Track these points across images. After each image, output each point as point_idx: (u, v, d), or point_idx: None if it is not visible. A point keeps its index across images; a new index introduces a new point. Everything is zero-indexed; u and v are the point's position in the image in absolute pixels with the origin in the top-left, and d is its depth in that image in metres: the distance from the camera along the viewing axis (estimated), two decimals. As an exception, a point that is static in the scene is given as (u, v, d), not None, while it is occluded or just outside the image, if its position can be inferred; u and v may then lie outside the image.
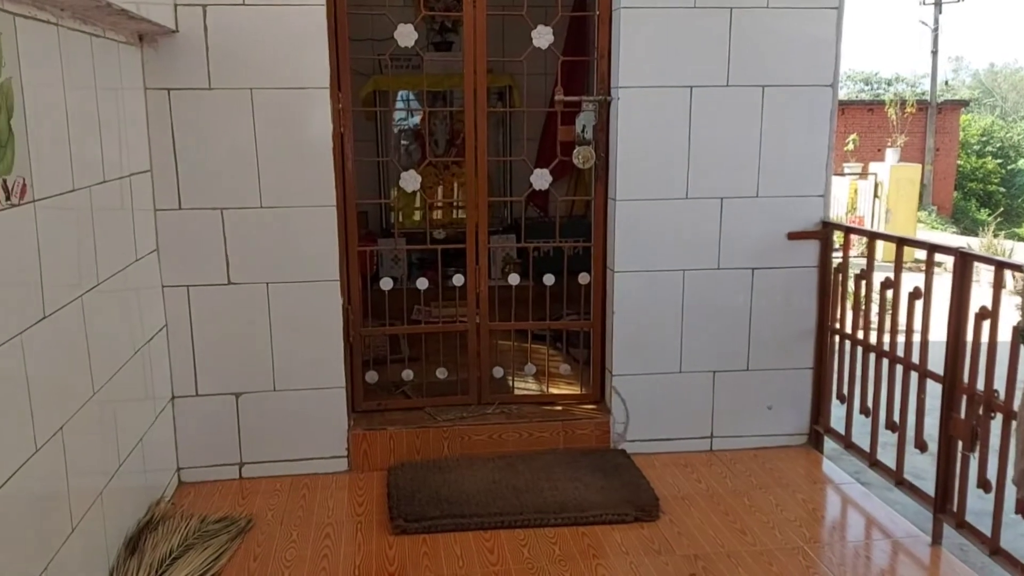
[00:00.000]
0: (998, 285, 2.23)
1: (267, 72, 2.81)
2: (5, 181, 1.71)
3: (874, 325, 2.85)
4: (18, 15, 1.81)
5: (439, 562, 2.44)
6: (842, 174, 14.59)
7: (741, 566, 2.40)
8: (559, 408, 3.29)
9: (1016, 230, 19.81)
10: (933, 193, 22.09)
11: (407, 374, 3.29)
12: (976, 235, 15.15)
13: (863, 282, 2.88)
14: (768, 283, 3.16)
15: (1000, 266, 2.26)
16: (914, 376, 2.62)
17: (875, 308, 2.84)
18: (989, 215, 20.75)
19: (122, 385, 2.46)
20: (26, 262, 1.84)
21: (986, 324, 2.26)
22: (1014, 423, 2.14)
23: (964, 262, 2.34)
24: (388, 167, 4.63)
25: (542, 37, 3.05)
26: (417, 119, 5.04)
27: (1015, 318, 2.15)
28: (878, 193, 13.62)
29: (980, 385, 2.29)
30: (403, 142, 5.05)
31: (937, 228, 19.92)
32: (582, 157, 3.16)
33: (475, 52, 3.05)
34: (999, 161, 25.25)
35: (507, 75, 4.47)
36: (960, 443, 2.36)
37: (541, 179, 3.20)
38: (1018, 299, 2.07)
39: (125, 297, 2.55)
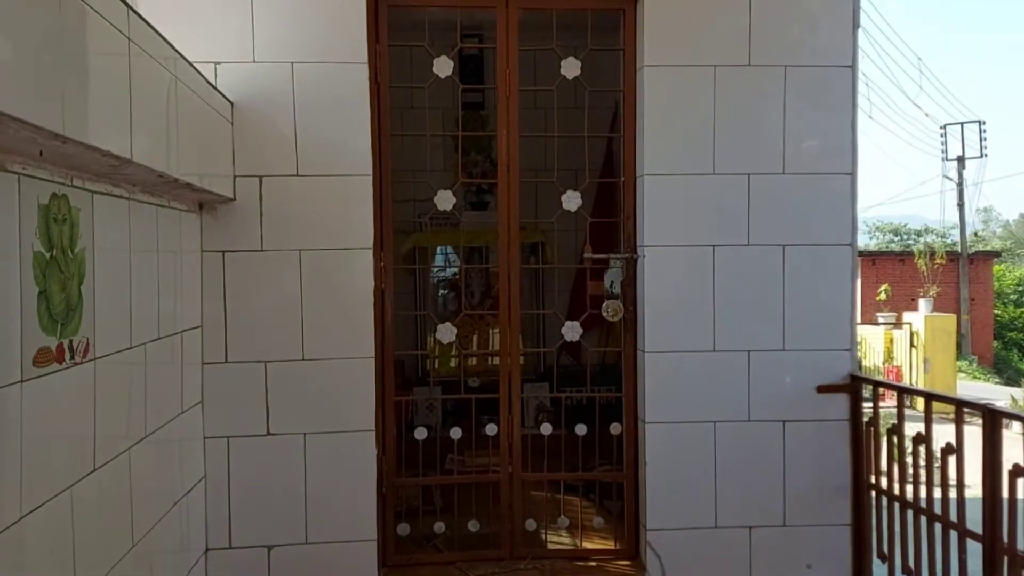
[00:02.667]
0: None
1: (316, 234, 3.02)
2: (71, 342, 1.86)
3: (910, 479, 2.81)
4: (96, 192, 2.02)
5: None
6: (876, 324, 14.58)
7: None
8: (593, 564, 3.23)
9: (1064, 381, 19.30)
10: (972, 343, 21.80)
11: (439, 527, 3.28)
12: (1020, 385, 14.81)
13: (895, 437, 2.87)
14: (800, 436, 3.16)
15: (931, 399, 2.25)
16: (954, 535, 2.56)
17: (912, 462, 2.82)
18: (1032, 364, 20.32)
19: (159, 537, 2.50)
20: (82, 417, 1.95)
21: (1021, 482, 2.23)
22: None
23: (993, 419, 2.35)
24: (425, 318, 4.80)
25: (571, 201, 3.25)
26: (454, 273, 5.26)
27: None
28: (914, 343, 13.53)
29: (1021, 544, 2.23)
30: (441, 292, 5.25)
31: (980, 378, 19.49)
32: (611, 310, 3.28)
33: (508, 213, 3.26)
34: (1038, 310, 24.99)
35: (540, 231, 4.70)
36: (1008, 607, 2.27)
37: (572, 331, 3.31)
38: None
39: (169, 449, 2.64)
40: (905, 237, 36.49)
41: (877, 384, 3.11)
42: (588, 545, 3.34)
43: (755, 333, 3.16)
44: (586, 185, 3.31)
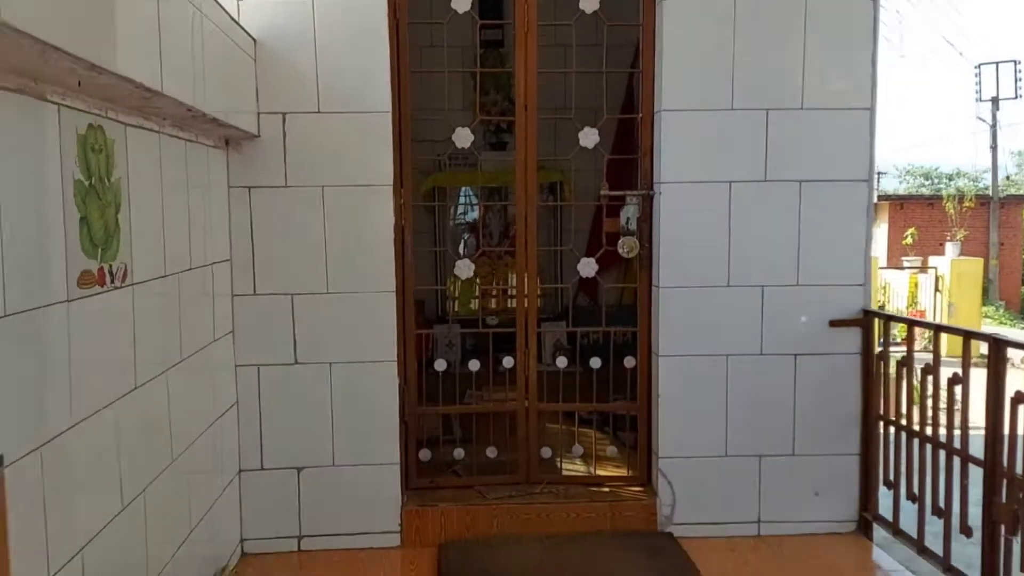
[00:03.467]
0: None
1: (337, 171, 3.09)
2: (111, 266, 1.97)
3: (918, 411, 2.88)
4: (129, 124, 2.11)
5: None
6: (901, 268, 14.47)
7: (785, 649, 2.41)
8: (606, 489, 3.36)
9: (1093, 327, 19.09)
10: (1000, 289, 21.56)
11: (459, 453, 3.42)
12: (1046, 330, 14.68)
13: (904, 369, 2.93)
14: (812, 369, 3.23)
15: (939, 331, 2.31)
16: (957, 462, 2.64)
17: (919, 394, 2.89)
18: (1061, 311, 20.10)
19: (195, 457, 2.65)
20: (122, 338, 2.08)
21: (1022, 409, 2.30)
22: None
23: (998, 348, 2.40)
24: (445, 257, 4.89)
25: (588, 138, 3.29)
26: (473, 213, 5.32)
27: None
28: (939, 287, 13.44)
29: (1019, 469, 2.31)
30: (460, 232, 5.33)
31: (1006, 323, 19.33)
32: (627, 247, 3.34)
33: (526, 152, 3.31)
34: (1068, 256, 24.55)
35: (558, 171, 4.74)
36: (1003, 527, 2.36)
37: (588, 267, 3.38)
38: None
39: (202, 375, 2.78)
40: (936, 181, 35.79)
41: (889, 318, 3.16)
42: (601, 473, 3.47)
43: (770, 268, 3.22)
44: (604, 122, 3.34)
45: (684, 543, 3.11)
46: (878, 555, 3.09)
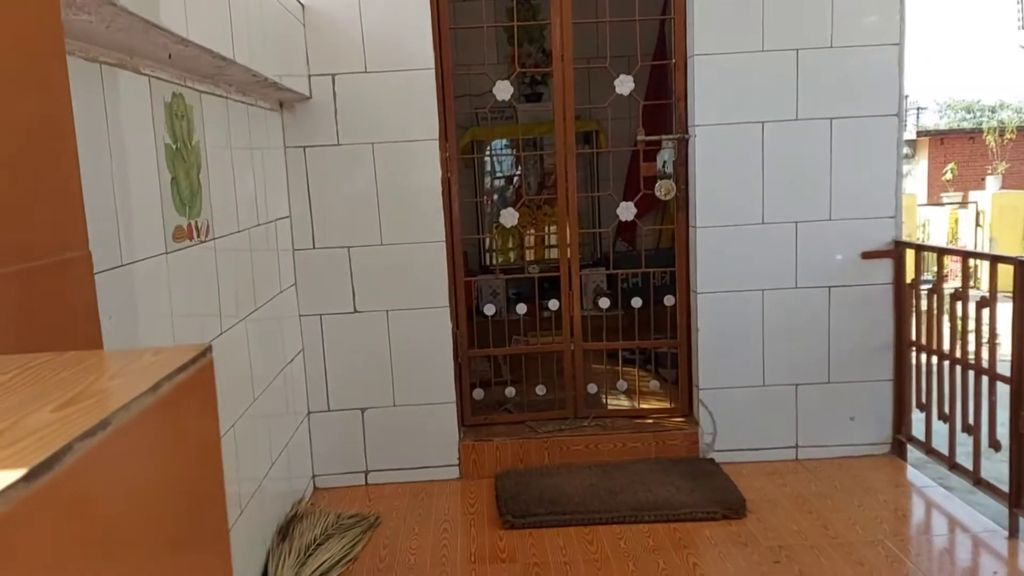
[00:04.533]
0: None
1: (385, 128, 3.26)
2: (196, 222, 2.18)
3: (948, 336, 3.01)
4: (203, 92, 2.30)
5: (544, 550, 2.74)
6: (940, 204, 14.29)
7: (823, 556, 2.60)
8: (650, 421, 3.56)
9: None
10: (1046, 221, 21.08)
11: (510, 391, 3.64)
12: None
13: (936, 296, 3.06)
14: (845, 300, 3.37)
15: (968, 257, 2.42)
16: (985, 381, 2.78)
17: (949, 318, 3.01)
18: (1110, 242, 19.63)
19: (271, 400, 2.90)
20: (210, 288, 2.30)
21: (1047, 325, 2.42)
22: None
23: (1023, 271, 2.52)
24: (484, 209, 5.06)
25: (624, 85, 3.40)
26: (512, 164, 5.47)
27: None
28: (980, 222, 13.27)
29: (1045, 382, 2.44)
30: (501, 185, 5.49)
31: (1051, 257, 18.97)
32: (664, 190, 3.47)
33: (564, 102, 3.44)
34: (1117, 184, 23.84)
35: (594, 120, 4.85)
36: (1030, 439, 2.51)
37: (626, 211, 3.53)
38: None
39: (272, 324, 3.01)
40: (978, 114, 34.78)
41: (919, 248, 3.27)
42: (645, 406, 3.66)
43: (803, 205, 3.33)
44: (638, 68, 3.45)
45: (726, 468, 3.30)
46: (912, 474, 3.26)
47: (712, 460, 3.38)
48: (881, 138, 3.28)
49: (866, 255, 3.34)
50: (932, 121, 33.30)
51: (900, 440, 3.36)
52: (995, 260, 2.72)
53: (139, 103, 1.83)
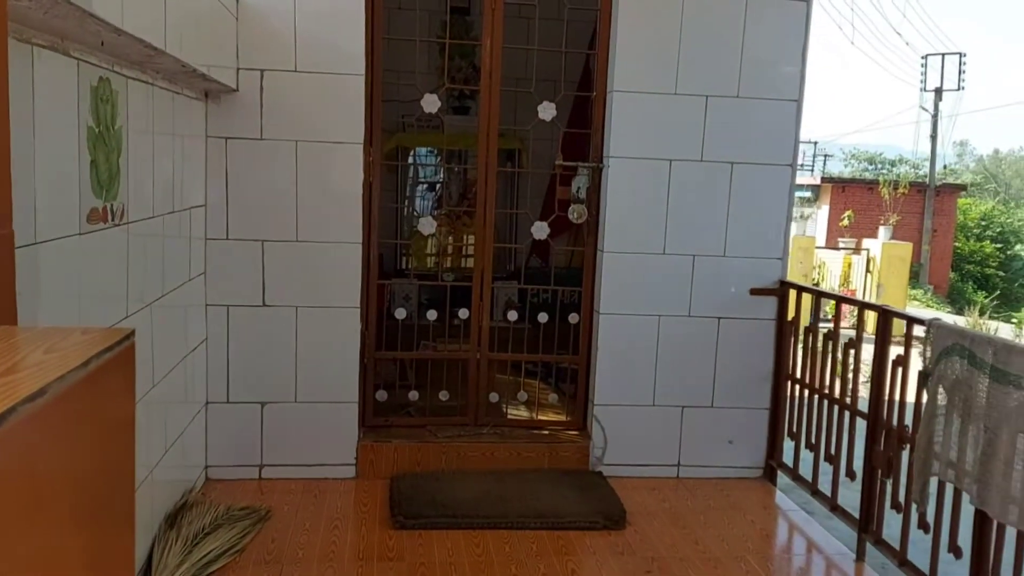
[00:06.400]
0: (909, 338, 2.68)
1: (310, 127, 3.31)
2: (112, 205, 2.19)
3: (820, 372, 3.28)
4: (130, 78, 2.31)
5: (431, 551, 2.84)
6: (836, 248, 15.15)
7: (691, 568, 2.80)
8: (546, 432, 3.71)
9: (1014, 314, 20.25)
10: (930, 273, 22.62)
11: (413, 395, 3.72)
12: (964, 314, 15.59)
13: (811, 335, 3.32)
14: (733, 332, 3.61)
15: (910, 321, 2.70)
16: (848, 416, 3.04)
17: (822, 356, 3.28)
18: (986, 297, 21.21)
19: (169, 387, 2.90)
20: (119, 270, 2.31)
21: (901, 370, 2.69)
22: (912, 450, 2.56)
23: (885, 318, 2.79)
24: (405, 215, 5.13)
25: (546, 111, 3.56)
26: (435, 174, 5.56)
27: (920, 365, 2.57)
28: (870, 268, 14.14)
29: (895, 422, 2.71)
30: (422, 191, 5.57)
31: (932, 306, 20.35)
32: (576, 213, 3.64)
33: (488, 119, 3.57)
34: (998, 245, 25.74)
35: (517, 139, 5.00)
36: (880, 471, 2.77)
37: (540, 230, 3.68)
38: (924, 349, 2.45)
39: (178, 312, 3.01)
40: (879, 166, 36.91)
41: (801, 289, 3.54)
42: (543, 417, 3.81)
43: (701, 240, 3.56)
44: (560, 97, 3.61)
45: (612, 481, 3.48)
46: (780, 497, 3.51)
47: (600, 473, 3.56)
48: (775, 185, 3.55)
49: (754, 291, 3.59)
50: (837, 168, 35.18)
51: (772, 465, 3.62)
52: (863, 306, 2.99)
53: (66, 85, 1.85)
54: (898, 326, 2.80)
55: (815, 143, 34.78)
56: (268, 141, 3.31)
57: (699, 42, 3.42)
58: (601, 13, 3.49)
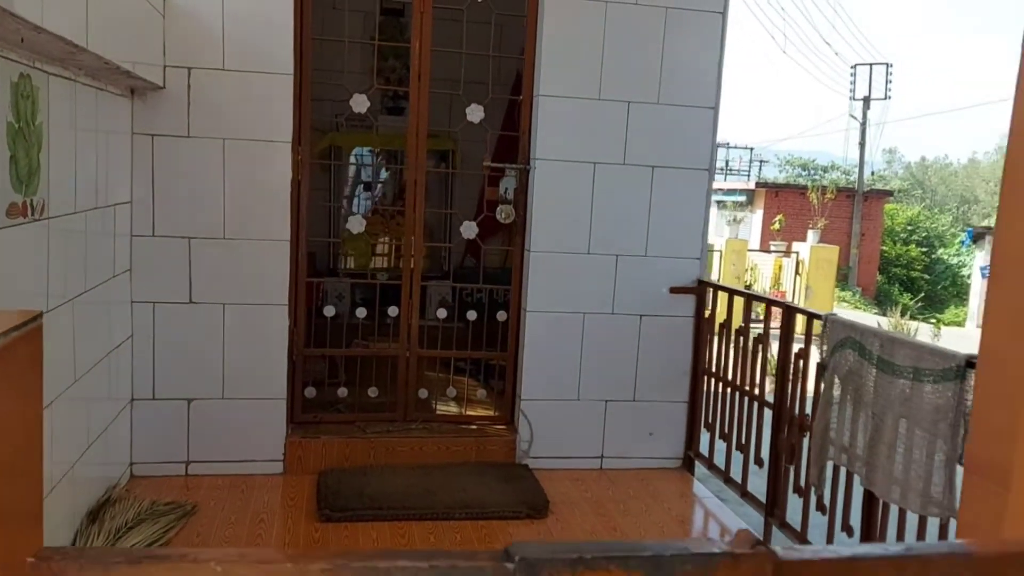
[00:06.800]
0: (809, 333, 2.86)
1: (239, 125, 3.34)
2: (32, 200, 2.20)
3: (733, 366, 3.44)
4: (51, 74, 2.32)
5: (357, 543, 2.90)
6: (768, 251, 15.64)
7: (607, 553, 2.91)
8: (474, 427, 3.80)
9: (938, 315, 21.19)
10: (858, 276, 23.47)
11: (342, 392, 3.77)
12: (886, 315, 16.26)
13: (725, 330, 3.49)
14: (653, 329, 3.76)
15: (810, 317, 2.88)
16: (757, 407, 3.21)
17: (735, 350, 3.44)
18: (911, 299, 22.12)
19: (92, 383, 2.89)
20: (39, 265, 2.31)
21: (803, 363, 2.87)
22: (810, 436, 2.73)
23: (789, 314, 2.96)
24: (338, 213, 5.16)
25: (474, 113, 3.65)
26: (368, 173, 5.60)
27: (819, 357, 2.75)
28: (799, 271, 14.66)
29: (797, 411, 2.88)
30: (356, 192, 5.60)
31: (860, 308, 21.13)
32: (504, 214, 3.75)
33: (418, 120, 3.64)
34: (923, 249, 26.85)
35: (451, 140, 5.07)
36: (783, 458, 2.95)
37: (469, 230, 3.77)
38: (822, 343, 2.64)
39: (101, 308, 3.00)
40: (812, 172, 38.05)
41: (716, 288, 3.71)
42: (471, 413, 3.90)
43: (623, 240, 3.70)
44: (489, 100, 3.71)
45: (537, 473, 3.59)
46: (697, 486, 3.67)
47: (526, 466, 3.66)
48: (693, 189, 3.71)
49: (674, 290, 3.75)
50: (772, 174, 36.18)
51: (690, 456, 3.78)
52: (770, 303, 3.17)
53: (-18, 80, 1.86)
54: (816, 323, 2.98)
55: (751, 149, 35.69)
56: (195, 139, 3.32)
57: (621, 50, 3.55)
58: (528, 19, 3.60)
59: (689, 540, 1.16)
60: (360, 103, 3.56)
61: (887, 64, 25.78)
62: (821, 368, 2.69)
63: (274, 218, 3.42)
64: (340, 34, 3.90)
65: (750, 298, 3.37)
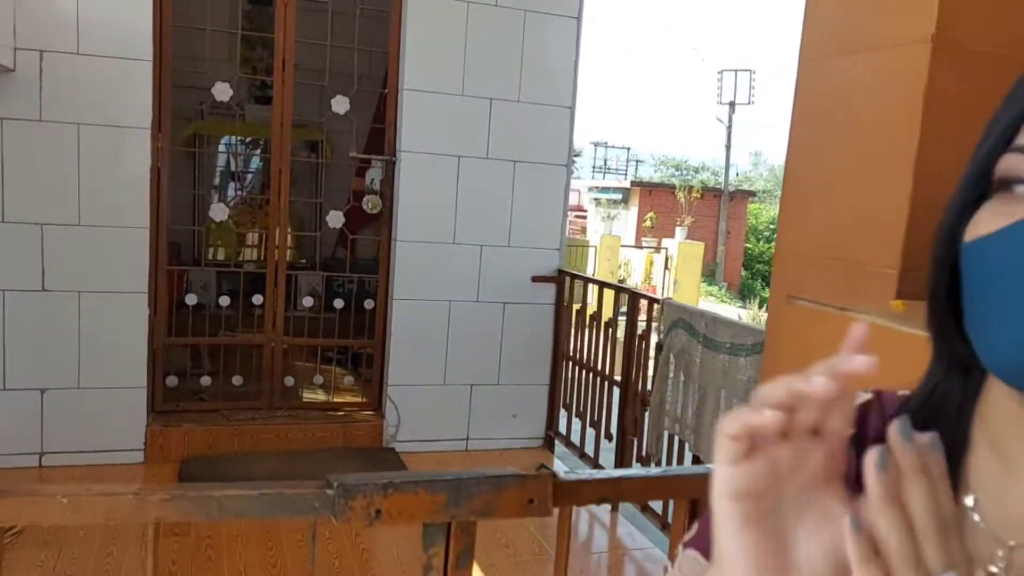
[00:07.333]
0: (651, 315, 3.12)
1: (94, 111, 3.27)
2: None
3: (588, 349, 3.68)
4: None
5: (219, 526, 2.92)
6: (640, 247, 16.33)
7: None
8: (341, 413, 3.87)
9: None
10: (725, 272, 24.82)
11: (205, 380, 3.76)
12: (747, 308, 17.32)
13: (581, 316, 3.72)
14: (516, 315, 3.95)
15: (651, 302, 3.14)
16: (607, 385, 3.46)
17: (590, 335, 3.68)
18: (771, 293, 23.50)
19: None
20: None
21: (645, 344, 3.13)
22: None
23: (634, 300, 3.22)
24: (204, 204, 5.08)
25: (340, 105, 3.72)
26: (236, 162, 5.53)
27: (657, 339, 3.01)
28: (668, 266, 15.40)
29: (640, 388, 3.14)
30: (223, 181, 5.52)
31: (725, 302, 22.35)
32: (371, 204, 3.84)
33: (283, 110, 3.67)
34: (784, 247, 28.55)
35: (319, 130, 5.09)
36: (627, 431, 3.20)
37: (335, 219, 3.84)
38: (659, 324, 2.93)
39: (-57, 294, 2.89)
40: (685, 172, 39.80)
41: (574, 277, 3.94)
42: (338, 400, 3.97)
43: (487, 231, 3.86)
44: (355, 91, 3.78)
45: (404, 456, 3.71)
46: (556, 464, 3.89)
47: (393, 449, 3.77)
48: (553, 183, 3.92)
49: (535, 279, 3.95)
50: (648, 173, 37.64)
51: (550, 435, 4.00)
52: (620, 290, 3.42)
53: None
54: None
55: (628, 148, 36.94)
56: (48, 123, 3.23)
57: (483, 49, 3.71)
58: (392, 14, 3.70)
59: (486, 467, 1.32)
60: (223, 91, 3.56)
61: (750, 71, 27.36)
62: (659, 347, 2.95)
63: (132, 206, 3.37)
64: (209, 21, 3.87)
65: (601, 286, 3.61)
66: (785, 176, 1.83)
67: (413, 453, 3.79)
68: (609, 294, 3.58)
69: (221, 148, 5.68)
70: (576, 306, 3.82)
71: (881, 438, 0.59)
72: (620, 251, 15.63)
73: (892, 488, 0.45)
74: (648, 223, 18.78)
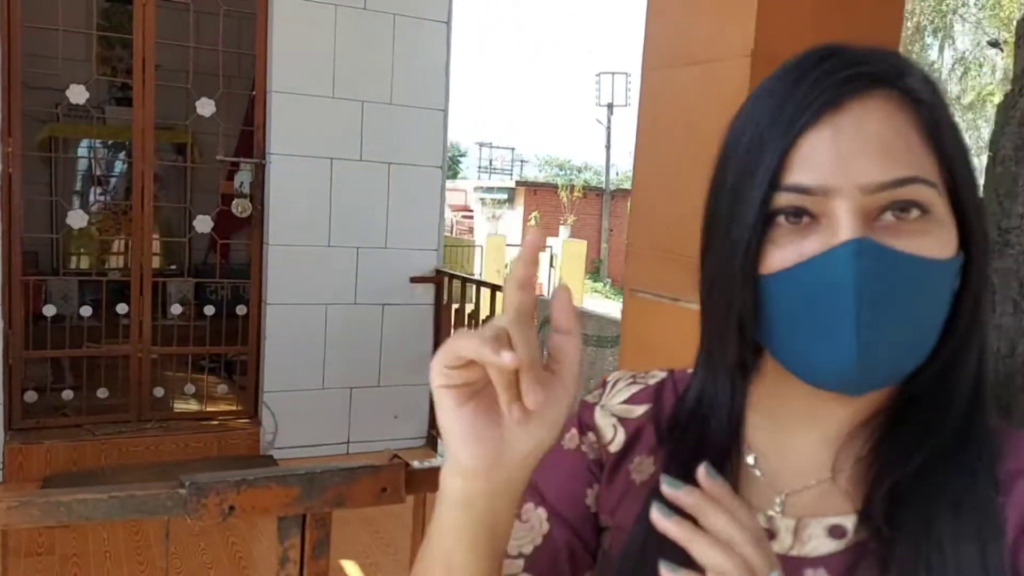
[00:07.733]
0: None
1: (-67, 113, 3.08)
2: None
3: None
4: None
5: (86, 542, 2.82)
6: (526, 245, 16.59)
7: (344, 524, 3.09)
8: (215, 422, 3.78)
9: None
10: (609, 268, 25.52)
11: (67, 395, 3.59)
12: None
13: (459, 313, 3.80)
14: (396, 316, 3.97)
15: (478, 285, 3.24)
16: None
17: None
18: (654, 287, 24.30)
19: None
20: None
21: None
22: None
23: (492, 293, 3.32)
24: (63, 211, 4.82)
25: (205, 107, 3.64)
26: (96, 166, 5.28)
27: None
28: (553, 264, 15.70)
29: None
30: (82, 186, 5.26)
31: (610, 298, 22.99)
32: (240, 208, 3.77)
33: (144, 112, 3.56)
34: (664, 243, 29.60)
35: (186, 132, 4.94)
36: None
37: (203, 224, 3.75)
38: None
39: None
40: (568, 172, 40.62)
41: (452, 276, 4.01)
42: (212, 409, 3.88)
43: (363, 233, 3.87)
44: (220, 93, 3.71)
45: (282, 463, 3.66)
46: (438, 460, 3.93)
47: (271, 456, 3.72)
48: (428, 184, 3.98)
49: (414, 279, 3.99)
50: (533, 173, 38.20)
51: (433, 434, 4.05)
52: (480, 284, 3.53)
53: None
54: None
55: (512, 149, 37.35)
56: None
57: (353, 51, 3.72)
58: (257, 16, 3.65)
59: (340, 461, 1.38)
60: (78, 94, 3.42)
61: (626, 74, 28.24)
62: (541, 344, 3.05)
63: (-20, 213, 3.19)
64: (67, 21, 3.69)
65: (478, 284, 3.70)
66: (634, 179, 1.96)
67: (292, 459, 3.75)
68: (486, 292, 3.66)
69: (82, 152, 5.41)
70: (455, 306, 3.88)
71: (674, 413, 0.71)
72: (506, 250, 15.81)
73: (700, 527, 0.53)
74: (532, 222, 19.09)
